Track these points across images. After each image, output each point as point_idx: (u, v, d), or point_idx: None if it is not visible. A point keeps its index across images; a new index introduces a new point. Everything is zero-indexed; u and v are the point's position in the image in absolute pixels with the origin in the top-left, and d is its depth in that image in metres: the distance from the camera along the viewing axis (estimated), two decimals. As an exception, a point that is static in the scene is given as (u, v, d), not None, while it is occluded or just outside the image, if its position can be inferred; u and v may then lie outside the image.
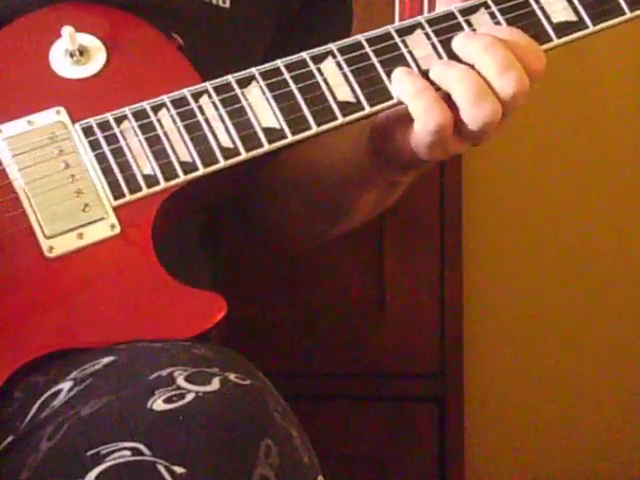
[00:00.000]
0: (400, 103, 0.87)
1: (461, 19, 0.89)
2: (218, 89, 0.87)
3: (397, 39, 0.89)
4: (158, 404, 0.70)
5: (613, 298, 1.82)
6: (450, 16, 0.89)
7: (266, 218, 1.11)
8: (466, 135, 0.87)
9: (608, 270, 1.82)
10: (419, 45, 0.88)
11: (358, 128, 0.92)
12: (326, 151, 1.00)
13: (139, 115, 0.86)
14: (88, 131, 0.86)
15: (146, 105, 0.87)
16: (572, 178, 1.83)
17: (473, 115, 0.84)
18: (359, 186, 0.98)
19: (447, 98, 0.86)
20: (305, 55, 0.88)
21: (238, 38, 1.03)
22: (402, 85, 0.87)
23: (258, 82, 0.87)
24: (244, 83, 0.87)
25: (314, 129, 0.87)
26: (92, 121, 0.86)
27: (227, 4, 1.02)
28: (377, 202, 1.02)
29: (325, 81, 0.88)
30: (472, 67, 0.86)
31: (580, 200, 1.83)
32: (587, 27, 0.90)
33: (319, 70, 0.88)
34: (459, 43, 0.88)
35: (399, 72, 0.87)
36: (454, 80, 0.85)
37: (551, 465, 1.82)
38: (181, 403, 0.70)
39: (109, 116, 0.86)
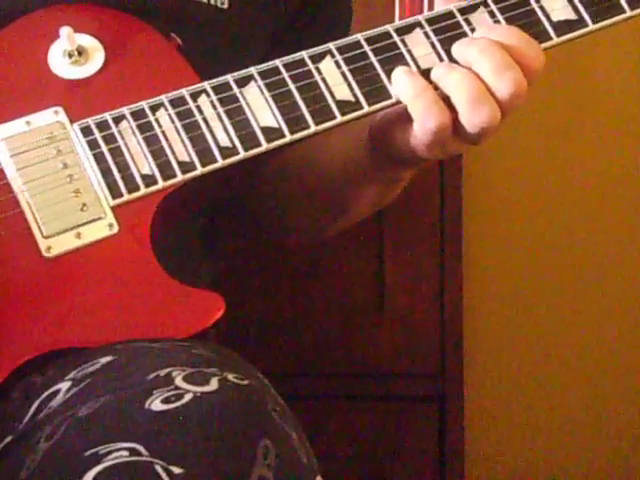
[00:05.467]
0: (399, 102, 0.87)
1: (460, 18, 0.89)
2: (216, 88, 0.87)
3: (396, 38, 0.88)
4: (156, 404, 0.70)
5: (614, 297, 1.82)
6: (449, 15, 0.89)
7: (266, 214, 1.11)
8: (464, 136, 0.87)
9: (608, 268, 1.82)
10: (418, 44, 0.88)
11: (359, 125, 0.92)
12: (327, 147, 1.00)
13: (137, 115, 0.86)
14: (86, 131, 0.86)
15: (144, 105, 0.86)
16: (572, 178, 1.83)
17: (471, 119, 0.84)
18: (360, 182, 0.98)
19: (447, 98, 0.86)
20: (304, 54, 0.88)
21: (237, 39, 1.03)
22: (402, 85, 0.87)
23: (256, 81, 0.87)
24: (242, 82, 0.87)
25: (312, 128, 0.87)
26: (90, 121, 0.86)
27: (226, 5, 1.02)
28: (378, 198, 1.02)
29: (324, 80, 0.87)
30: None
31: (580, 200, 1.83)
32: (587, 25, 0.90)
33: (318, 69, 0.88)
34: (458, 47, 0.88)
35: (399, 72, 0.87)
36: (453, 84, 0.85)
37: (551, 465, 1.82)
38: (179, 403, 0.70)
39: (107, 116, 0.86)
